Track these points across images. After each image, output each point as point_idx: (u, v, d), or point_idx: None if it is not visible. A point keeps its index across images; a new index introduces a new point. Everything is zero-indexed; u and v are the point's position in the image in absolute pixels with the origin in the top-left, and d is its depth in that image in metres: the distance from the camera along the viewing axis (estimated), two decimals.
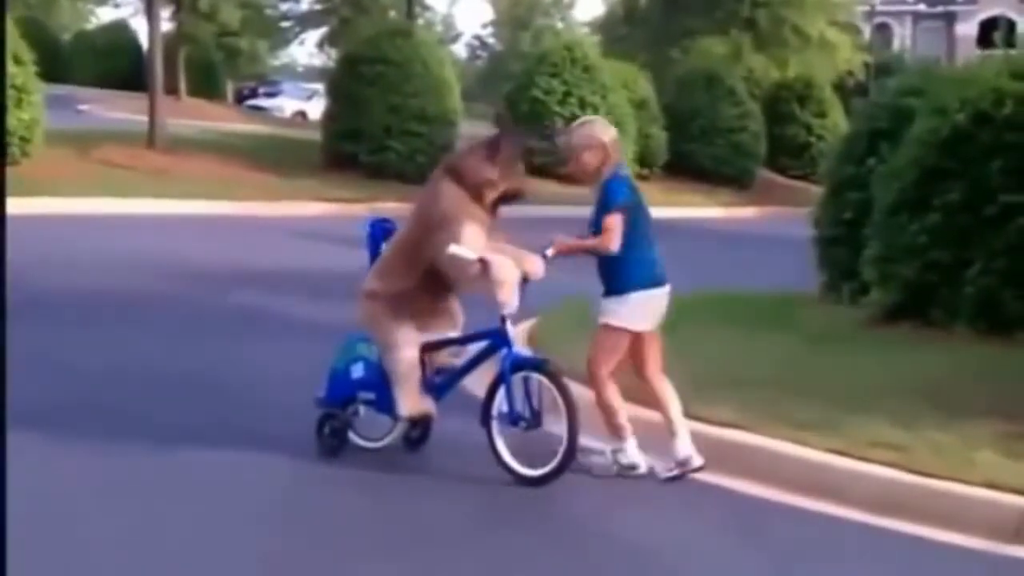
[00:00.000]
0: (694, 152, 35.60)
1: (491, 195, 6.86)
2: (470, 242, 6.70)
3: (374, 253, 7.36)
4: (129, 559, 5.50)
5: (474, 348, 7.17)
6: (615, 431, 7.11)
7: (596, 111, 30.52)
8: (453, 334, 7.18)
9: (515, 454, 6.86)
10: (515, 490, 6.71)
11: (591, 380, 7.08)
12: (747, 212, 33.01)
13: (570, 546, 6.02)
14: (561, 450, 6.66)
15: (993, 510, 6.40)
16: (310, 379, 8.48)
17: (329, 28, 61.25)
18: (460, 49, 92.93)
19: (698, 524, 6.46)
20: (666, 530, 6.36)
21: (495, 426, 6.92)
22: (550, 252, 7.02)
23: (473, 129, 31.57)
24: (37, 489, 6.18)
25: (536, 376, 6.84)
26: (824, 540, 6.31)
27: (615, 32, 51.24)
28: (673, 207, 29.42)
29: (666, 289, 7.12)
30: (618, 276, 6.97)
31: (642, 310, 7.01)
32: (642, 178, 32.22)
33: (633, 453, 7.08)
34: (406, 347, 6.93)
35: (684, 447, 7.06)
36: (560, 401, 6.67)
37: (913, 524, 6.43)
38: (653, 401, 7.21)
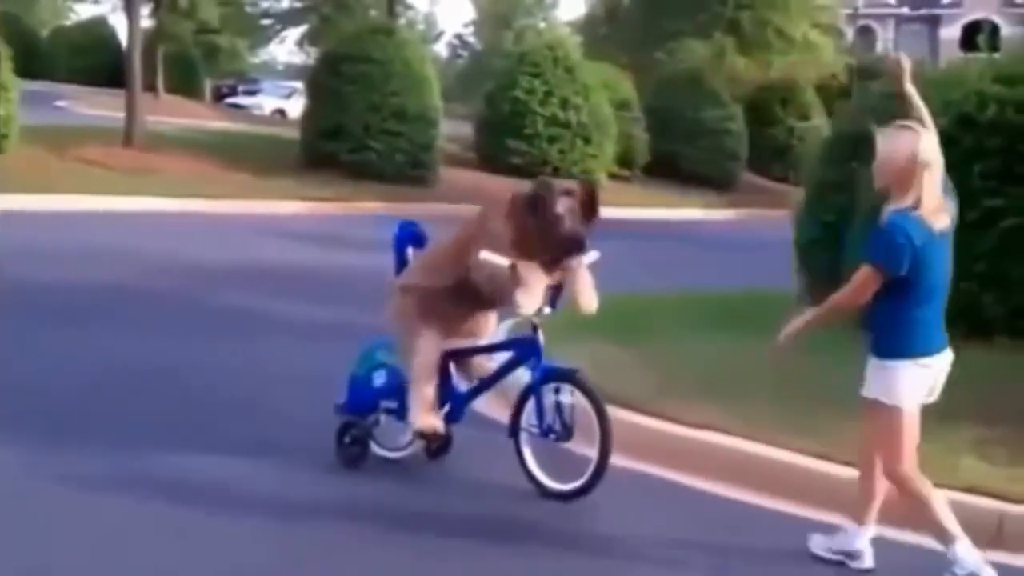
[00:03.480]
0: (676, 153, 35.58)
1: (542, 255, 6.51)
2: (530, 282, 6.43)
3: (400, 256, 7.20)
4: (93, 561, 5.41)
5: (503, 357, 7.00)
6: (940, 533, 5.81)
7: (578, 112, 30.54)
8: (481, 342, 7.03)
9: (542, 466, 6.71)
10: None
11: (898, 486, 5.88)
12: (728, 214, 33.00)
13: (550, 550, 5.96)
14: (592, 464, 6.47)
15: (973, 514, 6.37)
16: (292, 378, 8.46)
17: (309, 26, 61.25)
18: (441, 48, 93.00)
19: (677, 527, 6.41)
20: (642, 532, 6.31)
21: (523, 437, 6.76)
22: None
23: (454, 128, 31.61)
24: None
25: (567, 387, 6.64)
26: (802, 544, 6.25)
27: (597, 32, 51.29)
28: (654, 208, 29.45)
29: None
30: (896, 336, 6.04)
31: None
32: (623, 179, 32.26)
33: (969, 559, 5.71)
34: (427, 353, 6.76)
35: (862, 541, 6.12)
36: (592, 413, 6.48)
37: (893, 528, 6.40)
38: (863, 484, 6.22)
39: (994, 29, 64.52)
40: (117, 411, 8.04)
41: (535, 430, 6.69)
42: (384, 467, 7.08)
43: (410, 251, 7.18)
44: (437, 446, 7.18)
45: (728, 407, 7.81)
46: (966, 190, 10.43)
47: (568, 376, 6.67)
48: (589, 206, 6.55)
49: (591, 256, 6.76)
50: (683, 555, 6.07)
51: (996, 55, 13.51)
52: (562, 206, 6.46)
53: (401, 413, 6.97)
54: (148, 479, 6.64)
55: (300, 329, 11.33)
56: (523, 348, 6.80)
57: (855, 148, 12.45)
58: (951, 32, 76.84)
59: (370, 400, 7.09)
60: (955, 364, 9.35)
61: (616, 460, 6.55)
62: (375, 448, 7.15)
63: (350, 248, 18.37)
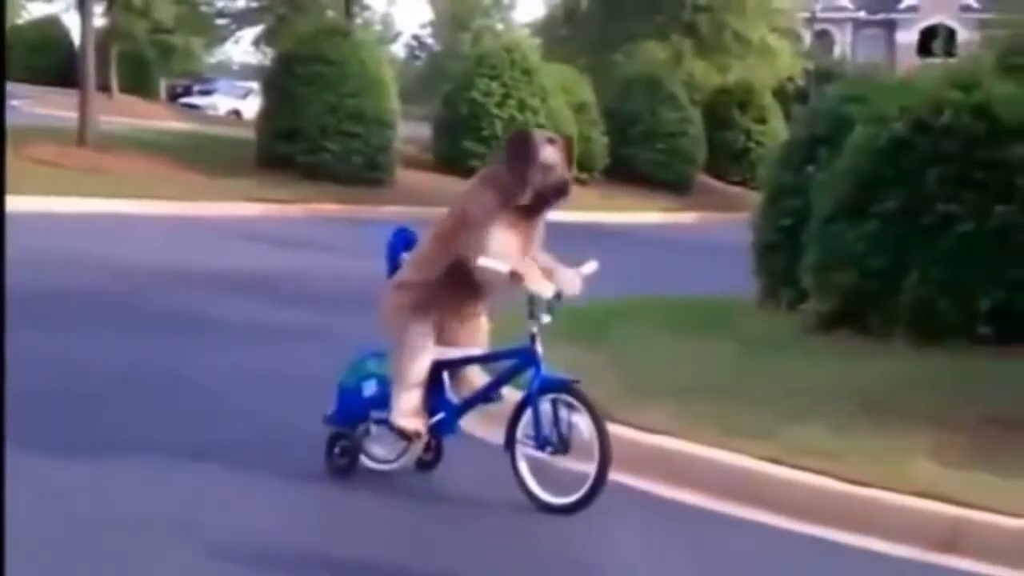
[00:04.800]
0: (634, 156, 35.62)
1: (522, 197, 6.50)
2: (499, 248, 6.39)
3: (393, 263, 7.02)
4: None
5: (501, 367, 6.81)
6: None
7: (535, 114, 30.53)
8: (476, 351, 6.88)
9: (539, 479, 6.56)
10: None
11: None
12: (686, 217, 33.07)
13: (495, 550, 5.92)
14: (591, 478, 6.33)
15: (927, 519, 6.42)
16: (254, 380, 8.38)
17: (265, 26, 60.85)
18: (399, 49, 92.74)
19: (632, 533, 6.38)
20: (599, 539, 6.27)
21: (519, 450, 6.57)
22: None
23: (411, 130, 31.54)
24: None
25: (565, 398, 6.48)
26: (758, 549, 6.28)
27: (555, 34, 51.22)
28: (612, 212, 29.49)
29: None
30: None
31: None
32: (581, 183, 32.23)
33: None
34: (419, 353, 6.62)
35: None
36: (591, 425, 6.35)
37: (847, 533, 6.42)
38: None
39: (951, 34, 65.06)
40: (79, 415, 7.94)
41: (531, 442, 6.53)
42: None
43: (404, 256, 7.00)
44: (427, 458, 7.05)
45: (687, 411, 7.79)
46: (922, 195, 10.53)
47: (566, 387, 6.52)
48: (566, 157, 6.59)
49: (590, 267, 6.75)
50: (637, 562, 6.04)
51: (952, 60, 13.58)
52: (548, 152, 6.48)
53: (391, 424, 6.80)
54: (116, 482, 6.56)
55: (259, 331, 11.24)
56: (522, 357, 6.64)
57: (812, 152, 12.51)
58: (908, 36, 77.25)
59: (360, 410, 6.92)
60: (911, 368, 9.46)
61: (575, 465, 6.48)
62: (364, 460, 6.98)
63: (307, 250, 18.33)
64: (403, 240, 7.06)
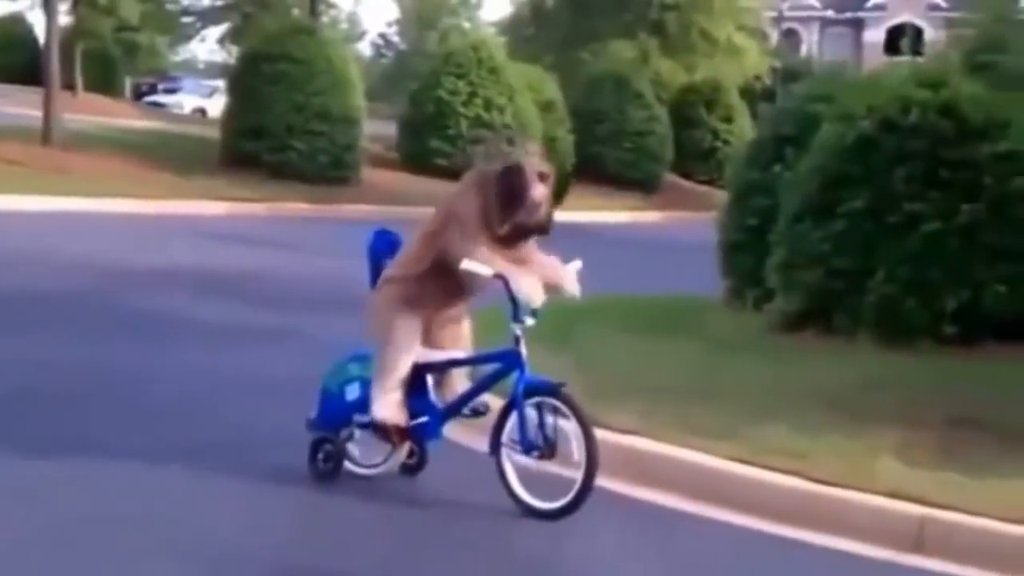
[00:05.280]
0: (601, 155, 35.65)
1: (502, 228, 6.42)
2: (483, 255, 6.33)
3: (375, 267, 6.88)
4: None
5: (485, 370, 6.73)
6: None
7: (502, 113, 30.52)
8: (460, 354, 6.80)
9: (524, 484, 6.47)
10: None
11: None
12: (653, 216, 33.11)
13: (461, 550, 5.89)
14: (578, 482, 6.25)
15: (894, 519, 6.43)
16: (221, 383, 8.31)
17: (231, 24, 60.66)
18: (365, 47, 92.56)
19: (602, 533, 6.35)
20: (567, 539, 6.25)
21: (505, 454, 6.49)
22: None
23: (377, 128, 31.48)
24: None
25: (551, 402, 6.40)
26: (727, 549, 6.27)
27: (522, 33, 51.18)
28: (579, 211, 29.44)
29: None
30: None
31: None
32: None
33: None
34: (404, 350, 6.53)
35: None
36: (578, 429, 6.27)
37: (815, 533, 6.43)
38: None
39: (918, 33, 65.32)
40: (45, 416, 7.87)
41: (517, 446, 6.45)
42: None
43: (387, 261, 6.86)
44: (411, 463, 6.96)
45: (655, 412, 7.77)
46: (888, 194, 10.56)
47: (553, 391, 6.44)
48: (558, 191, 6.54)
49: (573, 266, 6.69)
50: (605, 562, 6.02)
51: (920, 59, 13.63)
52: (538, 192, 6.41)
53: (375, 427, 6.71)
54: (84, 483, 6.52)
55: (227, 332, 11.18)
56: (506, 360, 6.55)
57: (778, 151, 12.51)
58: (875, 35, 77.54)
59: (343, 415, 6.82)
60: (877, 368, 9.48)
61: (547, 465, 6.44)
62: (348, 465, 6.90)
63: (273, 249, 18.24)
64: (385, 242, 6.95)
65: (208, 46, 76.89)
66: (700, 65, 45.02)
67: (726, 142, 39.66)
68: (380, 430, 6.65)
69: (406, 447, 6.89)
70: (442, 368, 6.75)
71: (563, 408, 6.35)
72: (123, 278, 14.05)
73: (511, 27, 54.71)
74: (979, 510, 6.30)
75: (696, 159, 39.95)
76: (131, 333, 10.94)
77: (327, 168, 27.00)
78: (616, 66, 39.29)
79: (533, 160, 6.55)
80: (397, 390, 6.58)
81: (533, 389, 6.42)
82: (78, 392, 8.57)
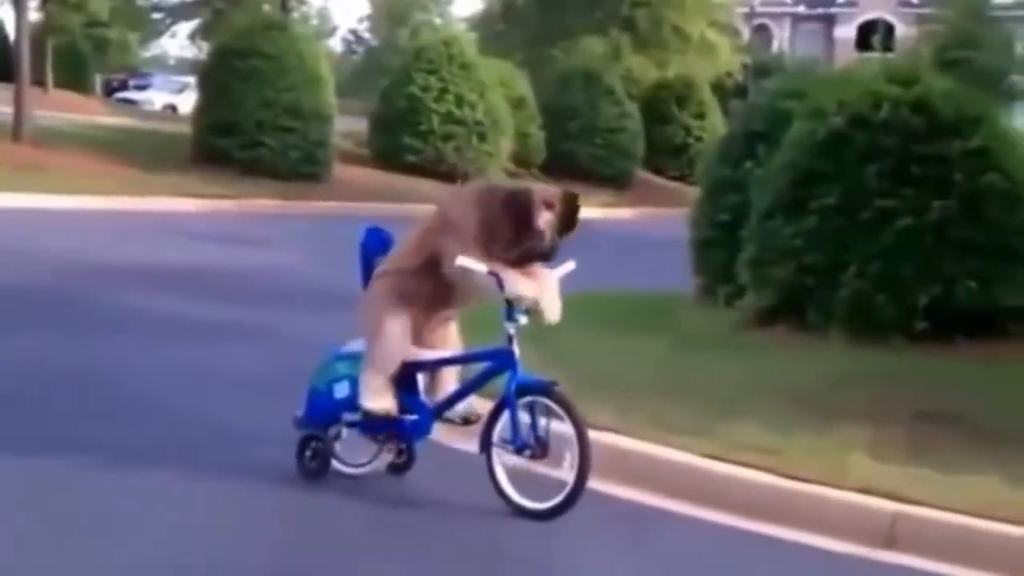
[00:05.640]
0: (572, 151, 35.65)
1: (506, 253, 6.33)
2: (480, 258, 6.27)
3: (367, 265, 6.80)
4: None
5: (477, 369, 6.65)
6: None
7: (473, 109, 30.49)
8: (450, 353, 6.73)
9: (515, 484, 6.40)
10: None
11: None
12: (625, 213, 33.12)
13: (442, 548, 5.87)
14: (570, 482, 6.18)
15: (865, 515, 6.43)
16: (192, 380, 8.25)
17: (201, 20, 60.38)
18: (336, 43, 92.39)
19: (577, 530, 6.33)
20: (541, 535, 6.23)
21: (495, 453, 6.42)
22: None
23: (348, 124, 31.41)
24: None
25: (543, 401, 6.33)
26: (701, 546, 6.27)
27: (493, 29, 51.17)
28: None
29: None
30: None
31: None
32: (520, 177, 32.23)
33: None
34: (394, 342, 6.46)
35: None
36: (571, 429, 6.21)
37: (786, 529, 6.44)
38: None
39: (889, 29, 65.72)
40: (11, 414, 7.80)
41: (508, 446, 6.38)
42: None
43: (378, 258, 6.78)
44: (399, 462, 6.90)
45: (628, 408, 7.77)
46: (860, 190, 10.58)
47: (545, 390, 6.38)
48: (568, 219, 6.41)
49: (566, 267, 6.65)
50: (579, 559, 6.00)
51: (891, 55, 13.68)
52: (543, 220, 6.31)
53: (363, 427, 6.68)
54: (51, 481, 6.46)
55: (198, 329, 11.12)
56: (498, 359, 6.50)
57: (750, 147, 12.53)
58: (847, 31, 77.82)
59: (331, 412, 6.75)
60: (849, 364, 9.50)
61: (519, 462, 6.41)
62: (336, 464, 6.82)
63: (244, 246, 18.18)
64: (376, 240, 6.88)
65: (179, 42, 76.62)
66: (672, 61, 45.07)
67: (698, 138, 39.70)
68: (370, 419, 6.57)
69: (394, 446, 6.83)
70: (433, 367, 6.68)
71: (556, 408, 6.30)
72: (94, 275, 13.98)
73: (482, 23, 54.73)
74: (951, 506, 6.31)
75: (668, 155, 39.98)
76: (103, 330, 10.89)
77: (298, 164, 26.93)
78: (587, 62, 39.28)
79: (541, 188, 6.49)
80: (386, 380, 6.51)
81: (526, 388, 6.36)
82: (46, 389, 8.53)
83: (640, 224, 29.58)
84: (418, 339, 6.63)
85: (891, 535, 6.31)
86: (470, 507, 6.52)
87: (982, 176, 10.49)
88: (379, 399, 6.51)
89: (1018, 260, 10.63)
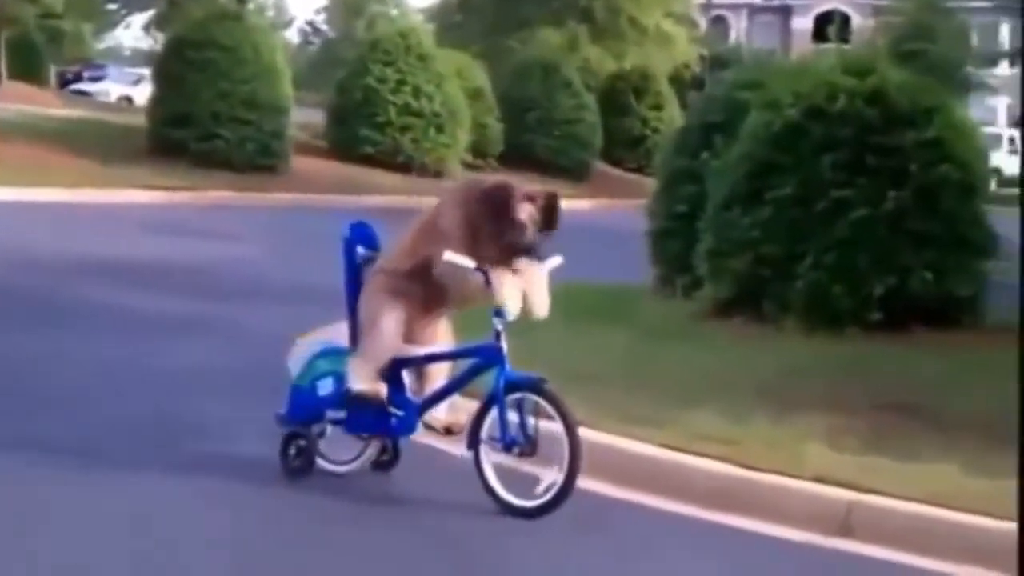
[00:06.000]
0: (530, 143, 35.59)
1: (487, 250, 6.29)
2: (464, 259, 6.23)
3: (351, 260, 6.71)
4: None
5: (465, 365, 6.60)
6: None
7: (431, 100, 30.40)
8: (438, 348, 6.66)
9: (504, 482, 6.33)
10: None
11: None
12: (583, 204, 33.04)
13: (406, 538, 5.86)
14: (560, 479, 6.13)
15: (821, 504, 6.46)
16: (148, 374, 8.18)
17: (156, 11, 60.09)
18: (292, 35, 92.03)
19: (537, 520, 6.32)
20: (503, 525, 6.24)
21: (484, 451, 6.34)
22: None
23: (305, 116, 31.28)
24: None
25: (532, 398, 6.28)
26: (658, 535, 6.28)
27: (450, 20, 51.08)
28: None
29: None
30: None
31: None
32: (477, 168, 32.18)
33: None
34: (387, 334, 6.40)
35: None
36: (560, 426, 6.16)
37: (744, 518, 6.46)
38: None
39: (845, 20, 65.93)
40: None
41: (497, 443, 6.33)
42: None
43: (361, 252, 6.72)
44: (384, 459, 6.83)
45: (587, 399, 7.74)
46: (816, 181, 10.61)
47: (534, 386, 6.33)
48: (548, 216, 6.38)
49: (553, 262, 6.62)
50: (536, 549, 6.01)
51: (847, 46, 13.74)
52: (523, 212, 6.29)
53: (351, 424, 6.61)
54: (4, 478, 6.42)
55: (154, 322, 11.06)
56: (486, 355, 6.44)
57: (707, 138, 12.55)
58: (803, 23, 78.00)
59: (315, 409, 6.68)
60: (805, 354, 9.54)
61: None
62: (320, 461, 6.74)
63: (199, 238, 18.09)
64: (360, 234, 6.79)
65: (134, 33, 75.96)
66: (629, 53, 45.09)
67: (655, 130, 39.68)
68: (358, 405, 6.50)
69: (378, 443, 6.78)
70: (419, 363, 6.62)
71: (545, 405, 6.25)
72: (48, 267, 13.91)
73: (439, 14, 54.64)
74: (906, 494, 6.35)
75: (625, 147, 39.96)
76: (54, 324, 10.81)
77: (254, 156, 26.79)
78: (544, 53, 39.24)
79: (521, 186, 6.46)
80: (374, 366, 6.46)
81: (514, 385, 6.31)
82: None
83: (598, 215, 29.55)
84: (408, 336, 6.58)
85: (847, 524, 6.33)
86: (445, 504, 6.50)
87: (937, 167, 10.55)
88: (368, 381, 6.45)
89: (972, 251, 10.72)
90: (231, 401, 7.70)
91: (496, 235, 6.30)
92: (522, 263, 6.45)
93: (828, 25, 66.20)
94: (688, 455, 6.95)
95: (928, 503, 6.26)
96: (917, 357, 9.54)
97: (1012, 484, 6.45)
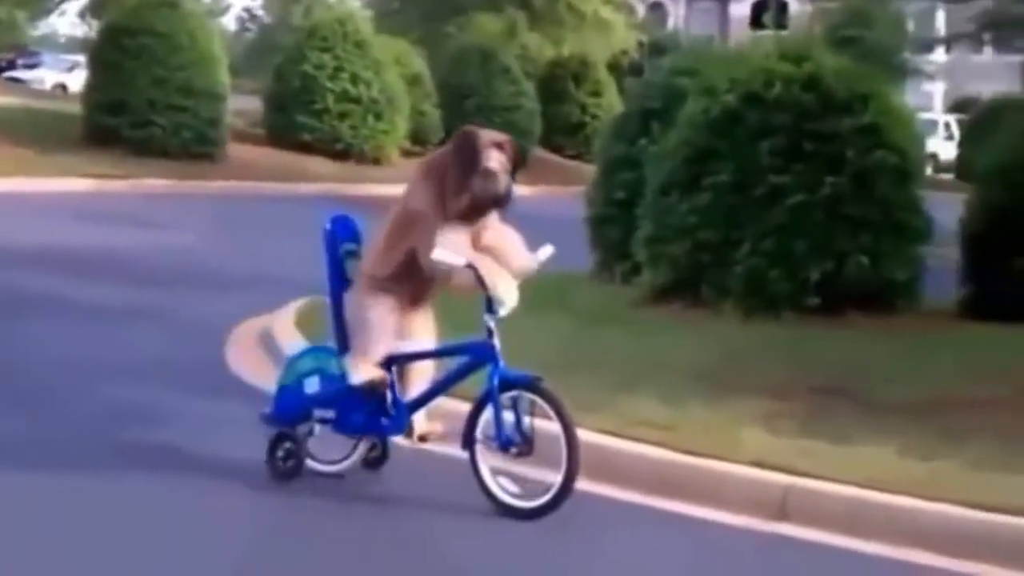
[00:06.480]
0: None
1: (460, 203, 6.19)
2: (452, 244, 6.11)
3: (333, 253, 6.56)
4: None
5: (456, 363, 6.52)
6: None
7: (369, 87, 30.27)
8: (427, 344, 6.56)
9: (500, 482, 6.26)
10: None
11: None
12: (522, 191, 32.79)
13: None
14: (559, 479, 6.06)
15: (759, 488, 6.51)
16: (83, 366, 8.08)
17: None
18: (229, 21, 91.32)
19: (472, 505, 6.32)
20: (439, 510, 6.26)
21: (480, 451, 6.24)
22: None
23: (242, 103, 31.08)
24: None
25: (528, 396, 6.19)
26: (596, 520, 6.30)
27: (387, 7, 50.85)
28: None
29: None
30: None
31: None
32: (416, 155, 32.10)
33: None
34: (381, 332, 6.31)
35: None
36: (557, 425, 6.09)
37: (682, 503, 6.51)
38: None
39: (782, 7, 66.09)
40: None
41: (493, 443, 6.24)
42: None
43: (345, 246, 6.59)
44: (374, 456, 6.73)
45: None
46: (753, 167, 10.65)
47: (530, 384, 6.25)
48: (515, 163, 6.31)
49: (545, 252, 6.58)
50: (476, 532, 5.99)
51: (784, 32, 13.79)
52: (493, 160, 6.18)
53: (340, 424, 6.51)
54: None
55: (91, 312, 10.96)
56: (478, 352, 6.35)
57: (645, 125, 12.58)
58: (741, 9, 78.18)
59: (302, 409, 6.55)
60: (743, 339, 9.59)
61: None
62: (308, 462, 6.61)
63: (138, 226, 17.94)
64: (343, 228, 6.66)
65: (68, 20, 75.20)
66: (567, 39, 45.04)
67: (594, 116, 39.68)
68: (368, 389, 6.38)
69: (367, 444, 6.69)
70: (408, 360, 6.52)
71: (542, 403, 6.17)
72: None
73: (377, 1, 54.37)
74: (841, 477, 6.40)
75: (565, 133, 39.96)
76: None
77: (191, 143, 26.57)
78: (483, 40, 39.17)
79: (488, 132, 6.37)
80: (376, 354, 6.36)
81: (510, 383, 6.22)
82: None
83: (538, 202, 29.44)
84: (397, 331, 6.47)
85: (783, 508, 6.38)
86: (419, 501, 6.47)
87: (873, 153, 10.61)
88: (368, 371, 6.34)
89: (908, 236, 10.80)
90: (171, 391, 7.64)
91: (466, 187, 6.18)
92: (495, 222, 6.40)
93: (765, 12, 66.43)
94: (626, 440, 6.98)
95: (863, 486, 6.31)
96: (854, 341, 9.61)
97: (946, 466, 6.55)
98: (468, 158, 6.20)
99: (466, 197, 6.21)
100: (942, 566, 5.81)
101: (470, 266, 6.15)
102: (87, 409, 7.71)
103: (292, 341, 7.06)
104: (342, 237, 6.62)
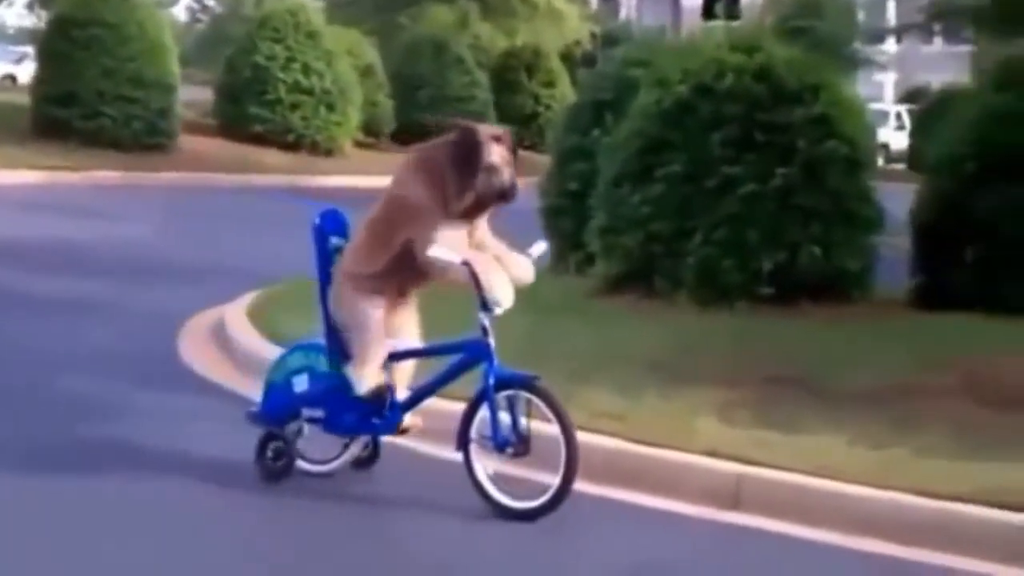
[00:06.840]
0: (422, 121, 35.46)
1: (462, 202, 6.11)
2: (449, 241, 6.04)
3: (322, 249, 6.45)
4: None
5: (449, 362, 6.45)
6: None
7: (321, 78, 30.18)
8: (416, 342, 6.50)
9: (496, 483, 6.19)
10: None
11: None
12: None
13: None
14: (557, 480, 6.01)
15: (713, 477, 6.55)
16: (34, 360, 8.02)
17: None
18: (179, 12, 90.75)
19: (432, 498, 6.31)
20: (401, 506, 6.29)
21: (475, 451, 6.18)
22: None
23: (193, 94, 30.93)
24: None
25: (524, 395, 6.13)
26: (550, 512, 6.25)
27: None
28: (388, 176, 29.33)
29: None
30: None
31: None
32: (368, 146, 32.05)
33: None
34: (376, 332, 6.22)
35: None
36: (555, 423, 6.04)
37: (636, 493, 6.54)
38: None
39: None
40: None
41: (488, 443, 6.17)
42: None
43: (333, 240, 6.48)
44: (365, 455, 6.67)
45: (480, 376, 7.74)
46: (705, 158, 10.69)
47: (526, 383, 6.20)
48: (514, 154, 6.24)
49: (538, 248, 6.56)
50: (435, 526, 5.99)
51: (735, 23, 13.83)
52: (495, 154, 6.11)
53: (329, 423, 6.43)
54: None
55: (40, 304, 10.88)
56: (473, 351, 6.30)
57: (598, 116, 12.59)
58: (693, 0, 78.40)
59: (290, 407, 6.46)
60: (697, 329, 9.62)
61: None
62: (299, 463, 6.52)
63: (88, 218, 17.84)
64: (332, 222, 6.55)
65: (16, 11, 74.52)
66: (520, 30, 44.98)
67: (547, 107, 39.69)
68: (374, 398, 6.30)
69: (360, 444, 6.63)
70: (400, 358, 6.45)
71: (539, 403, 6.12)
72: None
73: None
74: (794, 466, 6.44)
75: (518, 124, 39.75)
76: None
77: (141, 135, 26.42)
78: (435, 31, 39.10)
79: (487, 127, 6.31)
80: (377, 361, 6.29)
81: (505, 382, 6.17)
82: None
83: None
84: (388, 320, 6.41)
85: (736, 496, 6.42)
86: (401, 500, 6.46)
87: (824, 143, 10.65)
88: (373, 380, 6.27)
89: (860, 226, 10.85)
90: (123, 383, 7.59)
91: (470, 186, 6.09)
92: (493, 242, 6.36)
93: (717, 2, 66.60)
94: (581, 431, 6.94)
95: (815, 475, 6.36)
96: (806, 331, 9.65)
97: (897, 454, 6.61)
98: (470, 156, 6.11)
99: (470, 196, 6.13)
100: (893, 553, 5.86)
101: (466, 264, 6.08)
102: (40, 403, 7.66)
103: (246, 334, 7.01)
104: (331, 231, 6.52)
